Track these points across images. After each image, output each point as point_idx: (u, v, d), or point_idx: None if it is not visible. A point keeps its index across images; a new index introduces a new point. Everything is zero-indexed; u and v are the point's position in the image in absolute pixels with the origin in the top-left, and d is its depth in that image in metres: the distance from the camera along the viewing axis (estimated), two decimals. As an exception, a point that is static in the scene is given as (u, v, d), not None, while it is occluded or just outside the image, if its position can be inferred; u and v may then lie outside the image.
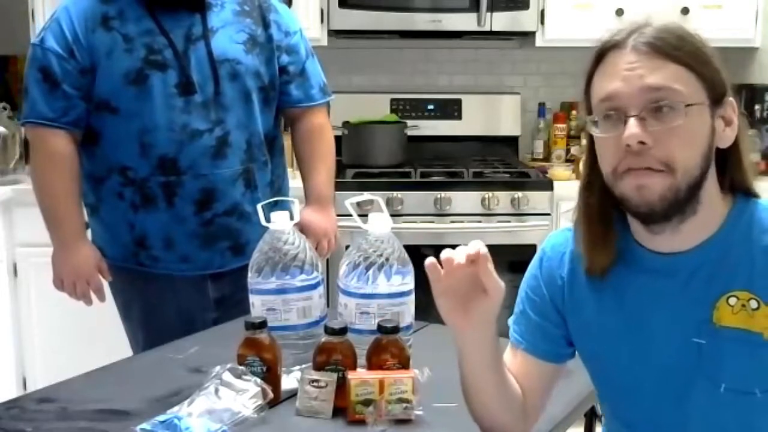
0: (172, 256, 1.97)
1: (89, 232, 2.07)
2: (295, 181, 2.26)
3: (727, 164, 1.11)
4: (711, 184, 1.09)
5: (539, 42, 3.17)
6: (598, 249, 1.16)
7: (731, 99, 1.09)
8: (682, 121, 1.03)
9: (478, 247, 1.07)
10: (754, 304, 1.07)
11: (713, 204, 1.10)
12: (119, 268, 2.02)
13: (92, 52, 1.88)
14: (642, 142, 1.03)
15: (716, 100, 1.07)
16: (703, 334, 1.10)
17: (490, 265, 1.08)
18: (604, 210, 1.14)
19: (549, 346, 1.25)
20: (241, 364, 1.37)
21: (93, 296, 2.01)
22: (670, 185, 1.05)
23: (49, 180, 1.95)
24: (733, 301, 1.08)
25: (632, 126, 1.04)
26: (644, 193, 1.06)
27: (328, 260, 2.25)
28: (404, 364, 1.37)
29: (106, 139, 1.94)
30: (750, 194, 1.13)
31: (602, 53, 1.08)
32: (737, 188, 1.13)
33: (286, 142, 2.21)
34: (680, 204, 1.06)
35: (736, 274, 1.08)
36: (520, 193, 2.90)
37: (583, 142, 1.13)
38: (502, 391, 1.20)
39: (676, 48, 1.04)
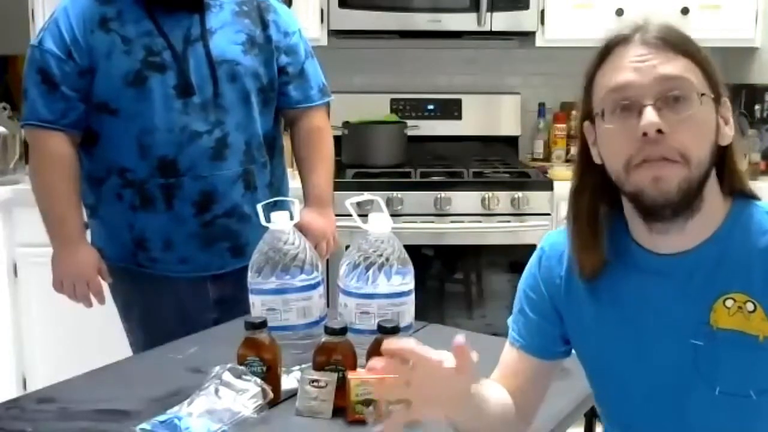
0: (171, 258, 1.97)
1: (89, 233, 2.07)
2: (294, 182, 2.26)
3: (723, 166, 1.11)
4: (712, 182, 1.09)
5: (539, 42, 3.17)
6: (587, 251, 1.16)
7: (726, 99, 1.10)
8: (695, 110, 1.04)
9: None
10: (750, 306, 1.07)
11: (714, 203, 1.10)
12: (119, 269, 2.02)
13: (91, 53, 1.88)
14: (659, 131, 1.03)
15: (717, 98, 1.08)
16: (700, 336, 1.10)
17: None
18: (593, 213, 1.14)
19: (546, 344, 1.25)
20: (241, 364, 1.37)
21: (92, 298, 2.00)
22: (686, 176, 1.04)
23: (48, 182, 1.95)
24: (729, 303, 1.08)
25: (649, 114, 1.03)
26: (661, 185, 1.05)
27: (328, 260, 2.26)
28: (404, 364, 1.37)
29: (105, 140, 1.94)
30: (748, 196, 1.13)
31: (608, 49, 1.08)
32: (735, 190, 1.12)
33: (286, 142, 2.21)
34: (692, 197, 1.06)
35: (734, 276, 1.08)
36: (520, 193, 2.90)
37: (580, 142, 1.13)
38: (496, 423, 1.19)
39: (683, 42, 1.06)
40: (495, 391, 1.22)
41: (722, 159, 1.10)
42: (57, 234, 1.97)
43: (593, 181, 1.13)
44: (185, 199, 1.93)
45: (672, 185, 1.04)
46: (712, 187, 1.09)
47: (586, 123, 1.13)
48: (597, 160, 1.12)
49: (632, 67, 1.05)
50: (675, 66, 1.04)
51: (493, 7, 3.07)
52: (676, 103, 1.04)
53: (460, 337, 0.98)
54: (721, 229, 1.10)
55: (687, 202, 1.06)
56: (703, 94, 1.04)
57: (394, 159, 3.20)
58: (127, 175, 1.93)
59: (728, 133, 1.10)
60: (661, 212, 1.07)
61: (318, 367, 1.38)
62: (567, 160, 3.36)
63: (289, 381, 1.44)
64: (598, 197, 1.14)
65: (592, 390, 1.30)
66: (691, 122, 1.04)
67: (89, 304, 2.01)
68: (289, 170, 2.26)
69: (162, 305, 2.02)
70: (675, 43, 1.05)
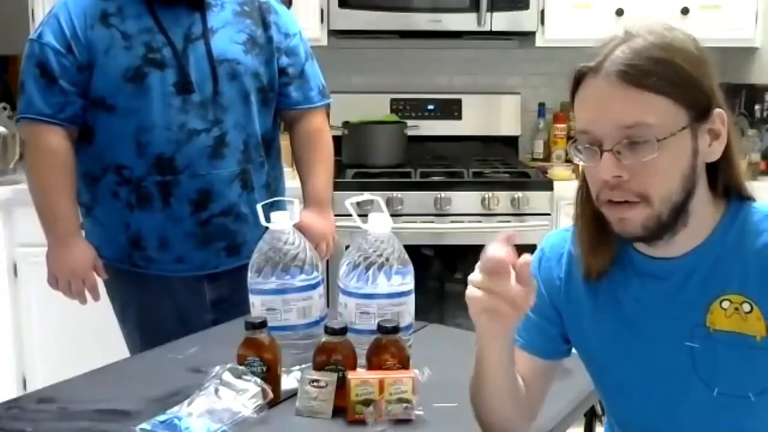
0: (167, 257, 1.97)
1: (83, 233, 2.06)
2: (292, 183, 2.25)
3: (718, 171, 1.11)
4: (701, 195, 1.09)
5: (539, 42, 3.18)
6: (594, 253, 1.16)
7: (719, 110, 1.06)
8: (656, 154, 1.02)
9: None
10: (747, 307, 1.07)
11: (705, 211, 1.10)
12: (115, 270, 2.01)
13: (90, 48, 1.87)
14: (618, 176, 1.04)
15: (700, 115, 1.05)
16: (696, 338, 1.10)
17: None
18: (601, 216, 1.14)
19: (546, 344, 1.26)
20: (241, 364, 1.37)
21: (87, 295, 2.00)
22: (649, 215, 1.05)
23: (45, 177, 1.94)
24: (726, 304, 1.08)
25: (606, 161, 1.04)
26: (625, 226, 1.07)
27: (328, 260, 2.26)
28: (404, 364, 1.37)
29: (102, 137, 1.93)
30: (743, 197, 1.13)
31: (579, 78, 1.07)
32: (731, 191, 1.12)
33: (284, 143, 2.20)
34: (666, 226, 1.07)
35: (730, 277, 1.09)
36: (520, 193, 2.90)
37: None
38: (514, 390, 1.21)
39: (649, 74, 1.02)
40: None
41: (717, 164, 1.10)
42: (52, 229, 1.96)
43: None
44: (182, 197, 1.92)
45: (636, 227, 1.06)
46: (701, 198, 1.09)
47: (573, 149, 1.13)
48: None
49: (594, 109, 1.05)
50: (634, 109, 1.02)
51: (493, 7, 3.07)
52: (636, 146, 1.03)
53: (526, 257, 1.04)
54: (716, 231, 1.10)
55: (661, 231, 1.07)
56: (663, 138, 1.02)
57: (394, 159, 3.20)
58: (124, 173, 1.92)
59: (716, 149, 1.08)
60: (636, 241, 1.10)
61: (318, 367, 1.38)
62: (567, 160, 3.35)
63: (289, 381, 1.43)
64: None
65: (594, 386, 1.30)
66: (652, 166, 1.03)
67: (84, 301, 2.01)
68: (287, 171, 2.26)
69: (159, 307, 2.01)
70: (640, 76, 1.02)
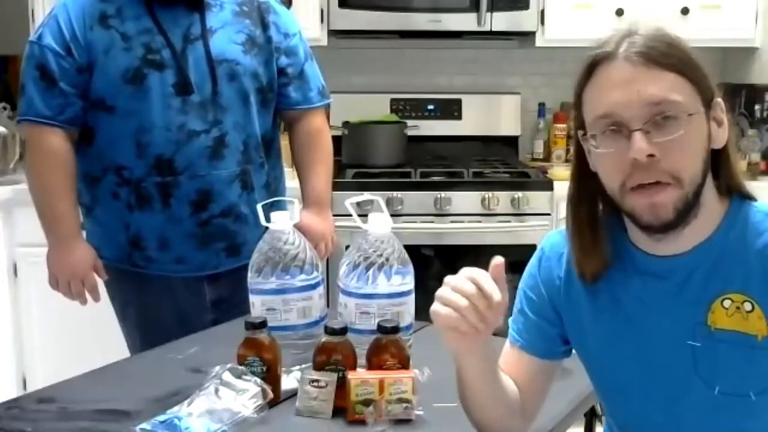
0: (167, 257, 1.97)
1: (84, 233, 2.06)
2: (292, 183, 2.25)
3: (718, 166, 1.11)
4: (708, 186, 1.10)
5: (539, 42, 3.17)
6: (587, 257, 1.16)
7: (719, 100, 1.09)
8: (684, 130, 1.03)
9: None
10: (748, 306, 1.08)
11: (711, 206, 1.10)
12: (115, 270, 2.01)
13: (90, 49, 1.88)
14: (651, 155, 1.03)
15: (707, 103, 1.07)
16: (698, 337, 1.10)
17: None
18: (593, 219, 1.14)
19: (545, 344, 1.26)
20: (241, 364, 1.37)
21: (88, 295, 2.00)
22: (680, 196, 1.05)
23: (45, 178, 1.94)
24: (727, 303, 1.09)
25: (639, 140, 1.03)
26: (657, 210, 1.06)
27: (328, 260, 2.26)
28: (404, 364, 1.37)
29: (102, 138, 1.93)
30: (744, 196, 1.13)
31: (593, 65, 1.07)
32: (732, 190, 1.13)
33: (284, 144, 2.20)
34: (689, 211, 1.07)
35: (732, 276, 1.09)
36: (520, 193, 2.90)
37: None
38: (501, 395, 1.21)
39: (667, 55, 1.04)
40: (506, 377, 1.23)
41: (718, 159, 1.11)
42: (53, 231, 1.97)
43: (590, 188, 1.13)
44: (182, 198, 1.92)
45: (668, 210, 1.05)
46: (709, 190, 1.10)
47: (581, 132, 1.12)
48: (594, 169, 1.13)
49: (618, 90, 1.04)
50: (660, 86, 1.03)
51: (493, 7, 3.07)
52: (664, 124, 1.03)
53: (498, 258, 1.06)
54: (719, 230, 1.11)
55: (686, 213, 1.07)
56: (692, 114, 1.03)
57: (394, 159, 3.20)
58: (124, 174, 1.92)
59: (721, 135, 1.09)
60: (660, 229, 1.09)
61: (318, 367, 1.38)
62: (567, 160, 3.35)
63: (289, 381, 1.44)
64: (596, 203, 1.15)
65: (593, 387, 1.30)
66: (682, 142, 1.03)
67: (84, 302, 2.01)
68: (287, 171, 2.26)
69: (159, 307, 2.01)
70: (660, 57, 1.04)
